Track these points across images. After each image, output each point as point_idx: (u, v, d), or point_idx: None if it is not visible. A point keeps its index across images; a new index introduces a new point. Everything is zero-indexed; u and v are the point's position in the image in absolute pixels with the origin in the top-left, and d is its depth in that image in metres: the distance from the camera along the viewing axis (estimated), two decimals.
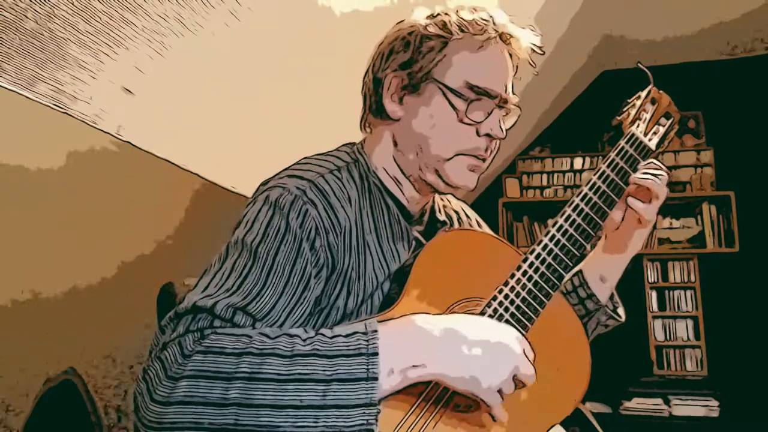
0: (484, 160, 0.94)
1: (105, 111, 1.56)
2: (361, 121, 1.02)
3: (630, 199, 0.97)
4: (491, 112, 0.92)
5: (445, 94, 0.91)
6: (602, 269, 1.05)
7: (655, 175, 0.96)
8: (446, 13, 0.94)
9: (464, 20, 0.92)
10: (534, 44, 0.96)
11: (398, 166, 0.96)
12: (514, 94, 0.96)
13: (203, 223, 2.01)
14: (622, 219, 1.00)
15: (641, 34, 3.97)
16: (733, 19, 3.71)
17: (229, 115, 1.93)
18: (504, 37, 0.94)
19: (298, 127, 2.12)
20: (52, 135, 1.46)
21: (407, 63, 0.92)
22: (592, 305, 1.05)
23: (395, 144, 0.96)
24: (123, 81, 1.55)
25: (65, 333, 1.50)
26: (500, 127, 0.93)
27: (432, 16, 0.94)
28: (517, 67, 0.97)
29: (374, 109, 0.97)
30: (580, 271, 1.07)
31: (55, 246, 1.48)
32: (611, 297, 1.08)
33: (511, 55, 0.95)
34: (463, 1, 0.96)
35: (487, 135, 0.92)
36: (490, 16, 0.93)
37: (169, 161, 1.86)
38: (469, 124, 0.91)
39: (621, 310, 1.09)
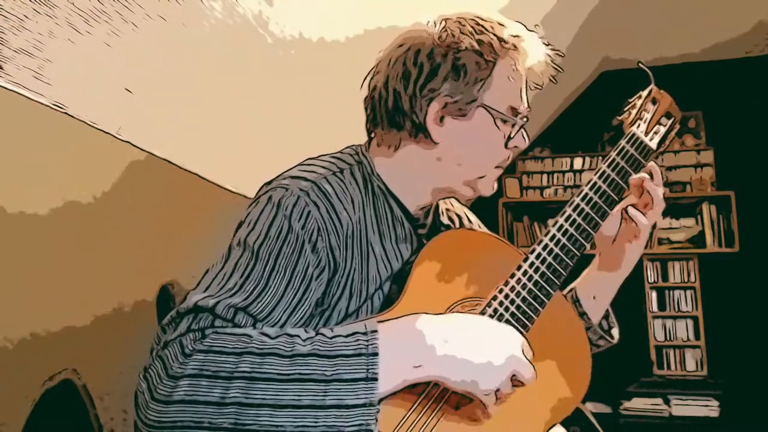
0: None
1: (105, 111, 1.56)
2: (373, 132, 0.97)
3: (630, 209, 0.98)
4: (520, 129, 0.94)
5: (494, 119, 0.91)
6: (594, 288, 1.05)
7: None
8: (483, 29, 0.89)
9: (506, 41, 0.90)
10: (555, 64, 0.95)
11: (417, 179, 0.94)
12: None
13: (203, 223, 2.00)
14: (617, 233, 1.00)
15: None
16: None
17: (230, 115, 1.93)
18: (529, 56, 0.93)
19: (298, 127, 2.12)
20: (52, 135, 1.46)
21: (458, 88, 0.89)
22: (583, 324, 1.04)
23: (423, 161, 0.93)
24: (123, 81, 1.55)
25: (65, 333, 1.50)
26: (524, 139, 0.95)
27: (472, 33, 0.89)
28: None
29: (408, 128, 0.91)
30: (574, 288, 1.07)
31: (55, 246, 1.48)
32: (607, 317, 1.08)
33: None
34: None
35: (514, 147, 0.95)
36: (517, 33, 0.91)
37: (169, 161, 1.86)
38: (507, 143, 0.93)
39: (615, 331, 1.08)
